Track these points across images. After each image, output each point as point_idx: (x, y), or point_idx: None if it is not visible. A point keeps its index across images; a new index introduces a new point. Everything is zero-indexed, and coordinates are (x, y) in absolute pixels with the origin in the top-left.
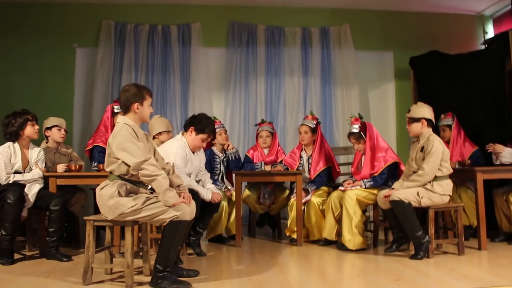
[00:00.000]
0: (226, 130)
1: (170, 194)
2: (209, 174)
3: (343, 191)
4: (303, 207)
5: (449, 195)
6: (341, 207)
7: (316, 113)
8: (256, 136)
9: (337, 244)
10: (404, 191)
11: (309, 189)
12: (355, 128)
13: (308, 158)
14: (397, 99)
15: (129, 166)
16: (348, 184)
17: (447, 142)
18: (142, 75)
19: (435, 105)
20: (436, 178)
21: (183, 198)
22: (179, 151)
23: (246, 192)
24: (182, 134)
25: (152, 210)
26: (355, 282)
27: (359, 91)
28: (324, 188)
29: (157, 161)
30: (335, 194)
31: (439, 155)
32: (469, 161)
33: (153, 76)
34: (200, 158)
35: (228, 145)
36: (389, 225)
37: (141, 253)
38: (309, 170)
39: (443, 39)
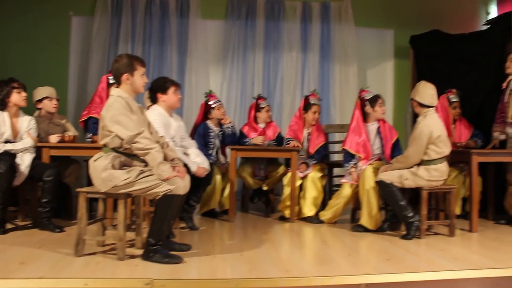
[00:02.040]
0: (222, 104)
1: (164, 168)
2: (193, 142)
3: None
4: (301, 182)
5: (441, 180)
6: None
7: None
8: (254, 111)
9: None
10: (389, 172)
11: (309, 163)
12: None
13: (308, 134)
14: (396, 78)
15: (122, 139)
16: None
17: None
18: (139, 46)
19: (434, 84)
20: (424, 162)
21: (177, 172)
22: (157, 118)
23: (241, 167)
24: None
25: (146, 183)
26: (346, 260)
27: (357, 69)
28: (323, 165)
29: (151, 134)
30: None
31: (423, 139)
32: (473, 141)
33: (149, 47)
34: (178, 122)
35: (225, 119)
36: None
37: (133, 226)
38: (308, 146)
39: (444, 18)
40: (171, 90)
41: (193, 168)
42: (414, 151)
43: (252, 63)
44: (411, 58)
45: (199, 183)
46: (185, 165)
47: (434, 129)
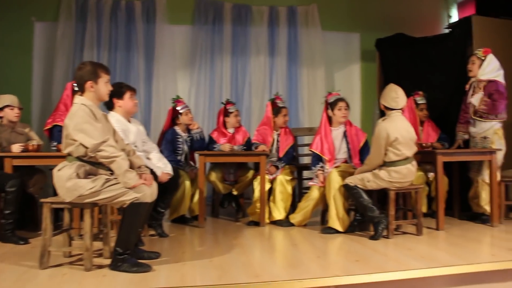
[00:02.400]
0: (190, 110)
1: (130, 176)
2: (155, 146)
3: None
4: (270, 186)
5: (404, 181)
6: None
7: (281, 93)
8: (223, 116)
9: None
10: (353, 176)
11: (278, 165)
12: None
13: (277, 136)
14: (363, 80)
15: (87, 147)
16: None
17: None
18: (105, 52)
19: (401, 87)
20: (385, 163)
21: (144, 179)
22: (115, 124)
23: (211, 172)
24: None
25: (112, 192)
26: (315, 263)
27: (325, 72)
28: (291, 167)
29: (116, 142)
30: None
31: (380, 141)
32: (439, 143)
33: (116, 53)
34: (137, 127)
35: (194, 124)
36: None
37: (101, 235)
38: (277, 148)
39: (409, 21)
40: (127, 95)
41: (158, 173)
42: (374, 153)
43: (220, 68)
44: (377, 61)
45: (166, 189)
46: (152, 172)
47: (391, 131)
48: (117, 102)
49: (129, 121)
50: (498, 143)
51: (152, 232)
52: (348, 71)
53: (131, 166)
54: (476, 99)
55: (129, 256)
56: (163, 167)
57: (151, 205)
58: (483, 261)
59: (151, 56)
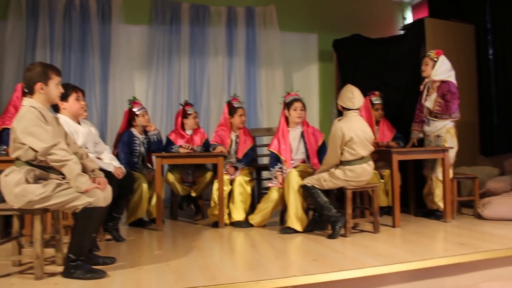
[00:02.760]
0: (147, 111)
1: (82, 180)
2: (107, 147)
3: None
4: (230, 188)
5: (360, 180)
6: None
7: (240, 93)
8: (181, 117)
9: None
10: (310, 176)
11: (238, 166)
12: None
13: (236, 138)
14: (321, 80)
15: (36, 151)
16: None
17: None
18: (58, 53)
19: (358, 87)
20: (342, 163)
21: (98, 183)
22: (64, 127)
23: (169, 174)
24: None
25: (63, 197)
26: (274, 264)
27: (283, 72)
28: (250, 168)
29: (68, 145)
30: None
31: (336, 140)
32: (395, 142)
33: (70, 53)
34: (89, 128)
35: (150, 126)
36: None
37: (53, 242)
38: (236, 150)
39: (365, 23)
40: (72, 97)
41: (110, 169)
42: (331, 153)
43: (178, 68)
44: (334, 61)
45: (121, 194)
46: (107, 175)
47: (347, 131)
48: (62, 105)
49: (78, 123)
50: (451, 141)
51: (109, 237)
52: (306, 72)
53: (84, 170)
54: (430, 101)
55: (82, 262)
56: (116, 164)
57: (106, 209)
58: (436, 257)
59: (107, 57)
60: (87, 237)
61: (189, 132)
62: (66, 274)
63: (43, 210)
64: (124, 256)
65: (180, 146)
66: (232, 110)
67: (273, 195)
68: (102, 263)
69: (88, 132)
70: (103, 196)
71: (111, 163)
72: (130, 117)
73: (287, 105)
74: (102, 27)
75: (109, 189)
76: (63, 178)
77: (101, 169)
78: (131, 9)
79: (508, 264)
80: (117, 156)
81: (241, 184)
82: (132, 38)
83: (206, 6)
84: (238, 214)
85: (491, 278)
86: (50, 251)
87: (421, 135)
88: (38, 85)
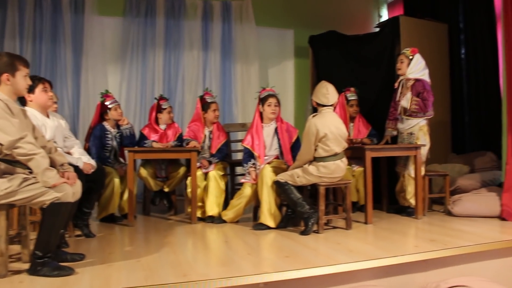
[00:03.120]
0: (119, 105)
1: (49, 174)
2: (78, 141)
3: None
4: (205, 183)
5: (334, 177)
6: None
7: (215, 88)
8: (155, 112)
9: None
10: (284, 173)
11: (212, 161)
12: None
13: (210, 133)
14: (296, 76)
15: (2, 144)
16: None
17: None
18: (28, 43)
19: (333, 83)
20: (315, 159)
21: (67, 178)
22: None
23: (142, 169)
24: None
25: (30, 192)
26: (246, 260)
27: (259, 67)
28: (224, 163)
29: (36, 139)
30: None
31: (310, 137)
32: (369, 139)
33: (41, 45)
34: (58, 121)
35: (123, 120)
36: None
37: (19, 238)
38: (209, 145)
39: (341, 19)
40: (39, 88)
41: (79, 164)
42: (304, 149)
43: (152, 62)
44: (310, 57)
45: (91, 189)
46: (77, 170)
47: (320, 127)
48: (28, 97)
49: (47, 116)
50: (423, 139)
51: (78, 233)
52: (282, 67)
53: (53, 164)
54: (405, 100)
55: (50, 259)
56: (85, 159)
57: (75, 205)
58: (406, 253)
59: (79, 49)
60: (54, 233)
61: (163, 126)
62: (32, 271)
63: (9, 205)
64: (94, 253)
65: (154, 141)
66: (205, 105)
67: (246, 191)
68: (70, 260)
69: (57, 125)
70: (72, 191)
71: (80, 157)
72: (102, 111)
73: (262, 101)
74: (75, 18)
75: (78, 184)
76: (30, 173)
77: (71, 164)
78: (105, 1)
79: (476, 260)
80: (88, 150)
81: (216, 179)
82: (106, 30)
83: None
84: (211, 209)
85: (460, 274)
86: (16, 248)
87: (395, 133)
88: (4, 76)
